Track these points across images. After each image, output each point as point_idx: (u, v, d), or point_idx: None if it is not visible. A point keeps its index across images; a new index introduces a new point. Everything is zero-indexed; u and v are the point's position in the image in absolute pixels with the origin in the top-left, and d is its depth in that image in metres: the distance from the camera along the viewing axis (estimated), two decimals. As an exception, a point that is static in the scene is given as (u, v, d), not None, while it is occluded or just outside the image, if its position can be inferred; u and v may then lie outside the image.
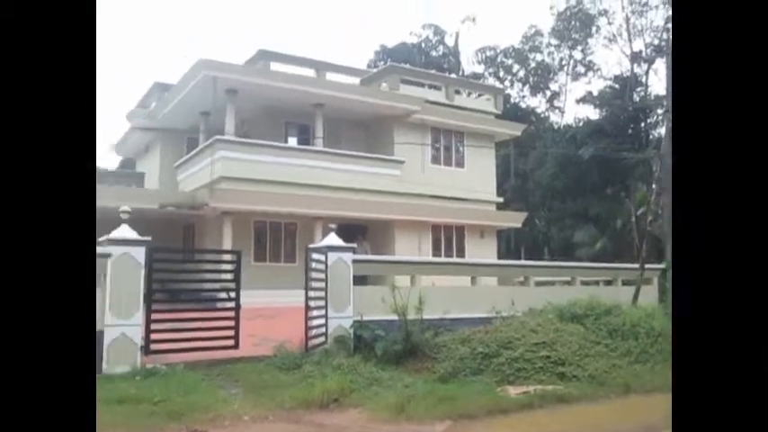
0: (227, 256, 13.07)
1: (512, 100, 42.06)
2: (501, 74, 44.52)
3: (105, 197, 18.14)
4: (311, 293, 11.91)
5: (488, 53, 44.20)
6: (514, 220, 24.91)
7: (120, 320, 10.16)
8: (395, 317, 11.71)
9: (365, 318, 12.25)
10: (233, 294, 11.59)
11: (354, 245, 13.26)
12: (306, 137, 22.19)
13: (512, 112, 35.64)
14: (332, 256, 12.51)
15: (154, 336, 10.52)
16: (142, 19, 78.20)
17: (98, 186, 19.22)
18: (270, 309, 15.98)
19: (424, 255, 21.35)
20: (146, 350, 10.39)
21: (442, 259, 20.90)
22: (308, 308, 11.65)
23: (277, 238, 20.52)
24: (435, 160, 23.55)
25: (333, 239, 12.96)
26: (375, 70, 27.43)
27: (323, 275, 12.28)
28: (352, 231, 20.25)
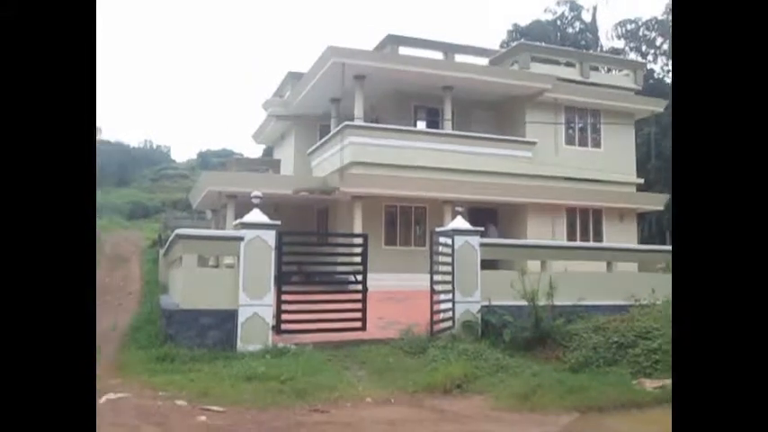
0: (356, 240, 13.22)
1: (655, 75, 39.37)
2: (643, 48, 41.77)
3: (241, 183, 19.07)
4: (438, 277, 11.81)
5: (629, 27, 41.52)
6: (657, 202, 23.32)
7: (252, 301, 10.58)
8: (524, 303, 11.35)
9: (493, 303, 11.99)
10: (360, 277, 11.72)
11: (482, 228, 12.96)
12: (435, 120, 22.01)
13: (655, 88, 33.28)
14: (459, 240, 12.33)
15: (284, 316, 10.86)
16: (278, 10, 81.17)
17: (239, 173, 20.21)
18: (400, 292, 16.04)
19: (557, 239, 20.58)
20: (277, 330, 10.75)
21: (576, 243, 20.02)
22: (433, 292, 11.54)
23: (407, 222, 20.57)
24: (570, 140, 22.54)
25: (460, 223, 12.76)
26: (505, 50, 26.63)
27: (450, 259, 12.13)
28: (482, 215, 19.89)
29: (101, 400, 7.61)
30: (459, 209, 13.07)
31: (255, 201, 11.12)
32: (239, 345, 10.35)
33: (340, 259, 12.60)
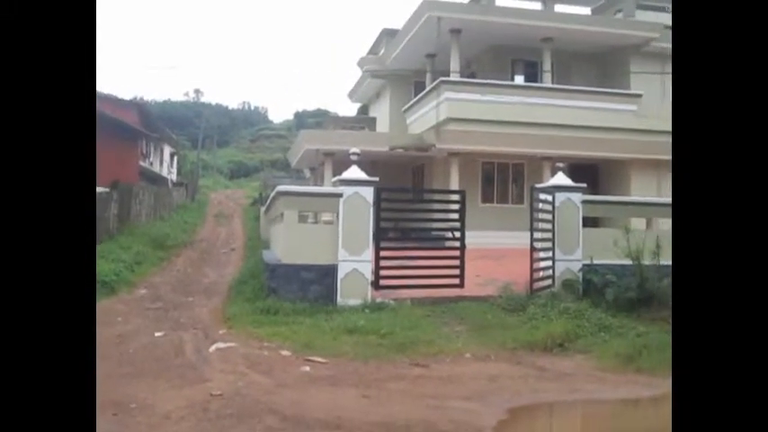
0: (453, 197, 13.11)
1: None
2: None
3: (338, 141, 19.25)
4: (538, 235, 11.56)
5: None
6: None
7: (351, 257, 10.74)
8: (628, 262, 10.94)
9: (595, 262, 11.63)
10: (458, 234, 11.64)
11: (584, 185, 12.54)
12: (533, 73, 21.28)
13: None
14: (559, 197, 11.99)
15: (383, 272, 10.98)
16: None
17: (336, 131, 20.37)
18: (497, 250, 15.86)
19: (664, 197, 19.64)
20: (375, 285, 10.89)
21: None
22: (533, 249, 11.32)
23: (504, 179, 20.19)
24: (679, 92, 21.25)
25: (561, 179, 12.39)
26: (610, -2, 25.27)
27: (550, 216, 11.84)
28: (582, 172, 19.21)
29: (210, 349, 8.01)
30: (561, 165, 12.68)
31: (354, 158, 11.19)
32: (339, 299, 10.57)
33: (437, 216, 12.54)
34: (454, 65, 19.61)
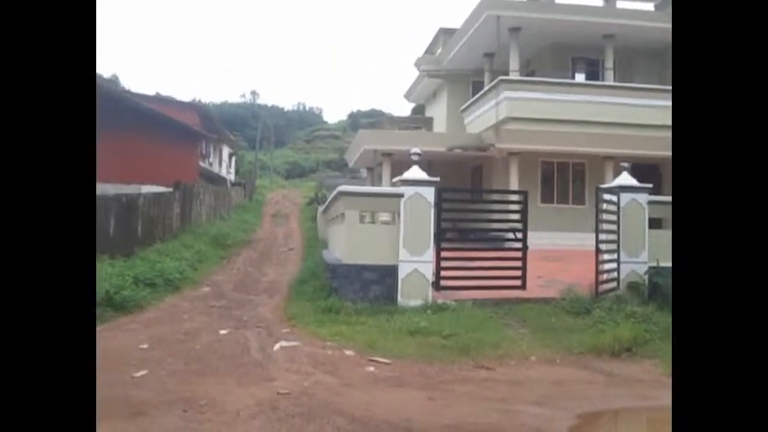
0: (514, 197, 12.95)
1: None
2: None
3: (397, 141, 19.23)
4: (602, 236, 11.29)
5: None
6: None
7: (412, 257, 10.70)
8: (697, 264, 10.56)
9: (661, 264, 11.29)
10: (520, 235, 11.48)
11: (650, 185, 12.20)
12: (594, 71, 20.81)
13: None
14: (624, 197, 11.70)
15: (444, 273, 10.90)
16: (429, -32, 79.87)
17: (394, 131, 20.34)
18: (557, 251, 15.59)
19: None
20: (436, 286, 10.82)
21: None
22: (598, 251, 11.05)
23: (564, 179, 19.81)
24: (748, 89, 20.47)
25: (626, 179, 12.09)
26: (675, -8, 24.50)
27: (614, 217, 11.56)
28: (645, 172, 18.68)
29: (275, 348, 8.09)
30: (625, 165, 12.34)
31: (415, 158, 11.15)
32: (400, 299, 10.55)
33: (497, 216, 12.39)
34: (513, 63, 19.36)
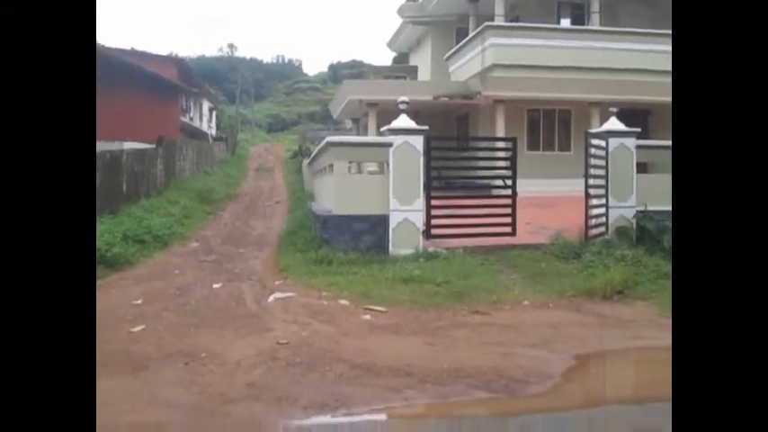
0: (503, 144, 12.88)
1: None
2: None
3: (382, 91, 19.00)
4: (590, 181, 11.29)
5: None
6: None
7: (402, 206, 10.67)
8: (685, 207, 10.64)
9: (649, 208, 11.36)
10: (509, 182, 11.46)
11: (638, 129, 12.18)
12: (580, 15, 20.54)
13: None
14: (613, 142, 11.68)
15: (434, 221, 10.90)
16: None
17: (379, 81, 20.03)
18: (544, 198, 15.64)
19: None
20: (427, 234, 10.83)
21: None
22: (587, 196, 11.08)
23: (550, 126, 19.74)
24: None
25: (614, 124, 12.04)
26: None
27: (603, 162, 11.55)
28: (632, 117, 18.65)
29: (269, 299, 8.10)
30: (614, 109, 12.28)
31: (402, 106, 11.02)
32: (391, 249, 10.55)
33: (486, 164, 12.35)
34: (498, 9, 19.05)
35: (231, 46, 78.52)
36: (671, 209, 8.87)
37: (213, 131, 42.23)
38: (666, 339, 6.68)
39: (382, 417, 4.67)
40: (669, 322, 7.06)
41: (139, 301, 7.96)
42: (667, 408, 4.85)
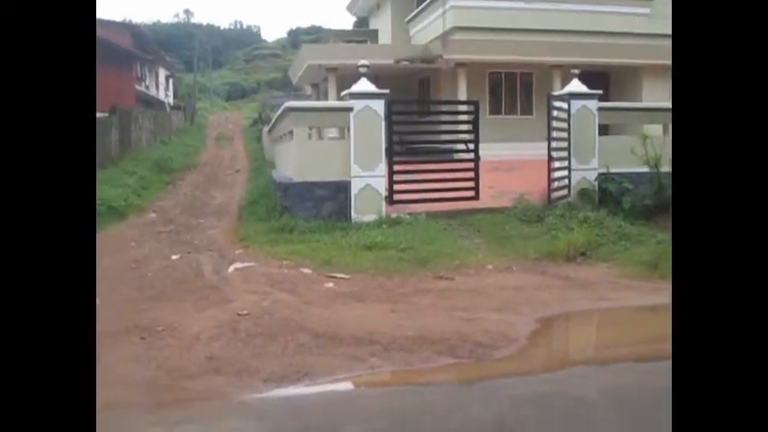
0: (465, 107, 12.75)
1: None
2: None
3: (342, 55, 18.66)
4: (553, 144, 11.27)
5: None
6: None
7: (364, 172, 10.51)
8: (644, 169, 10.71)
9: (611, 170, 11.41)
10: (472, 146, 11.36)
11: (600, 91, 12.15)
12: (542, -24, 20.39)
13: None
14: (575, 105, 11.64)
15: (396, 186, 10.77)
16: None
17: (339, 45, 19.68)
18: (506, 161, 15.61)
19: (675, 102, 19.14)
20: (389, 200, 10.70)
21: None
22: (550, 159, 11.06)
23: (512, 90, 19.66)
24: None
25: (576, 86, 11.99)
26: None
27: (565, 125, 11.52)
28: (593, 79, 18.67)
29: (229, 270, 7.90)
30: (576, 71, 12.21)
31: (362, 70, 10.77)
32: (353, 215, 10.41)
33: (449, 128, 12.22)
34: (459, -30, 18.74)
35: (187, 12, 76.41)
36: (634, 171, 8.91)
37: (171, 100, 41.22)
38: (629, 300, 6.78)
39: (347, 386, 4.56)
40: (630, 283, 7.14)
41: (94, 275, 7.69)
42: (632, 367, 4.86)
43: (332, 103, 16.38)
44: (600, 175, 11.50)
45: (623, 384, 4.36)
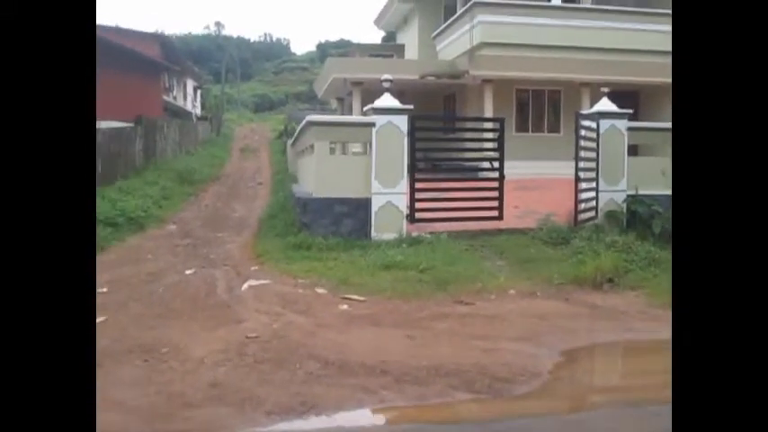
0: (490, 125, 12.44)
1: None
2: None
3: (367, 69, 18.49)
4: (581, 164, 10.92)
5: None
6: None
7: (385, 189, 10.26)
8: (677, 192, 10.30)
9: (640, 192, 11.02)
10: (496, 164, 11.07)
11: (630, 110, 11.79)
12: (571, -7, 20.09)
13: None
14: (604, 124, 11.29)
15: (418, 204, 10.51)
16: None
17: (364, 59, 19.52)
18: (533, 180, 15.24)
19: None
20: (410, 218, 10.43)
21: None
22: (577, 179, 10.70)
23: (540, 107, 19.31)
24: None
25: (605, 105, 11.64)
26: None
27: (593, 144, 11.17)
28: (622, 98, 18.27)
29: (243, 287, 7.68)
30: (605, 89, 11.87)
31: (386, 84, 10.55)
32: (373, 233, 10.15)
33: (473, 146, 11.93)
34: (487, -15, 18.51)
35: (218, 24, 77.50)
36: (664, 193, 8.58)
37: (198, 111, 41.46)
38: (657, 332, 6.40)
39: (354, 421, 4.28)
40: (658, 313, 6.75)
41: (105, 289, 7.50)
42: (666, 411, 4.49)
43: (354, 117, 16.20)
44: (629, 197, 11.12)
45: (657, 430, 4.01)
